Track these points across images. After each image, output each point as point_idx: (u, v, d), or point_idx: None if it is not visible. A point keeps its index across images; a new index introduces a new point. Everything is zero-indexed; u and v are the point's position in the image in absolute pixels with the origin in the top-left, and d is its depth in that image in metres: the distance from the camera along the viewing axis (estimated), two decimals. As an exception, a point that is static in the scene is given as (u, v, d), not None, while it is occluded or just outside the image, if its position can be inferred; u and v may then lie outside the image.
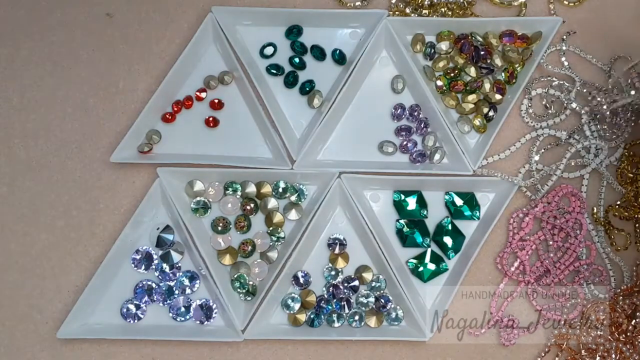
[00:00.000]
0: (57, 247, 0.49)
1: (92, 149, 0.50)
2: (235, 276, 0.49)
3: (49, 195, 0.50)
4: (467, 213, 0.50)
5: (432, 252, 0.50)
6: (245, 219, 0.49)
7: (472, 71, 0.51)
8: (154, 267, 0.49)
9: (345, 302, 0.49)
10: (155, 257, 0.49)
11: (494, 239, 0.50)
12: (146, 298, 0.49)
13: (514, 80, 0.51)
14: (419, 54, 0.52)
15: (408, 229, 0.50)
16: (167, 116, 0.50)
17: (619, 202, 0.50)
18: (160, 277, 0.49)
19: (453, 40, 0.51)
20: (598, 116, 0.50)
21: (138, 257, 0.49)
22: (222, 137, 0.50)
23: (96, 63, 0.51)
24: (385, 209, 0.50)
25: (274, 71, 0.51)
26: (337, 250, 0.49)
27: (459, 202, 0.50)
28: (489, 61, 0.51)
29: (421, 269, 0.49)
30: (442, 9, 0.52)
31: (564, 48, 0.51)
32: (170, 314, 0.48)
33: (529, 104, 0.51)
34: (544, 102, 0.51)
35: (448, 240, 0.50)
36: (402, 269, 0.49)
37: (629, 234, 0.50)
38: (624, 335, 0.46)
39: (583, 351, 0.46)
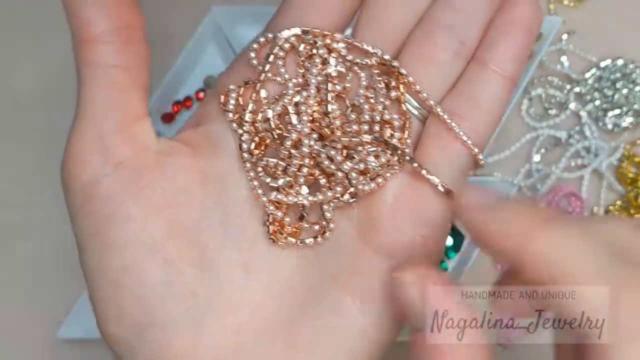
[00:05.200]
0: (57, 246, 0.49)
1: (92, 149, 0.50)
2: (235, 276, 0.48)
3: (49, 195, 0.50)
4: (467, 213, 0.50)
5: (432, 252, 0.50)
6: (245, 219, 0.49)
7: (472, 71, 0.51)
8: (153, 267, 0.49)
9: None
10: (155, 257, 0.49)
11: (494, 239, 0.50)
12: (146, 298, 0.48)
13: (514, 80, 0.50)
14: (419, 54, 0.51)
15: (408, 229, 0.50)
16: (167, 116, 0.50)
17: (619, 202, 0.50)
18: (160, 277, 0.49)
19: (453, 40, 0.51)
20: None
21: (138, 257, 0.49)
22: (222, 137, 0.50)
23: (96, 63, 0.51)
24: (385, 209, 0.50)
25: (274, 71, 0.51)
26: (337, 250, 0.49)
27: (459, 202, 0.50)
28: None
29: (421, 268, 0.49)
30: (442, 9, 0.52)
31: (564, 48, 0.51)
32: (170, 314, 0.48)
33: (529, 104, 0.51)
34: (544, 102, 0.51)
35: (448, 240, 0.50)
36: (402, 269, 0.49)
37: (629, 234, 0.50)
38: None
39: None
